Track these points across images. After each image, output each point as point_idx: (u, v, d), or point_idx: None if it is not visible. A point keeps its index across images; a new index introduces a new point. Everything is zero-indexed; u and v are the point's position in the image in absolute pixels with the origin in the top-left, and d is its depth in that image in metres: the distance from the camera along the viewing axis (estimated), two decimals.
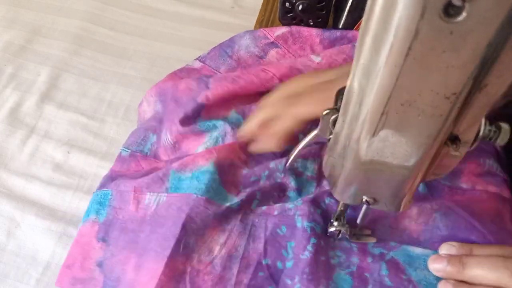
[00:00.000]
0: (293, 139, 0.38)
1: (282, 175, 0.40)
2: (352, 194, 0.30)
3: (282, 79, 0.44)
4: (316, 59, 0.46)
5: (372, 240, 0.38)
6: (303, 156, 0.41)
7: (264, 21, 0.65)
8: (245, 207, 0.39)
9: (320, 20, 0.55)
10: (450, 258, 0.34)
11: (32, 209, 0.49)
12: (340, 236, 0.37)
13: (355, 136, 0.24)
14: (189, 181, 0.39)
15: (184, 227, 0.36)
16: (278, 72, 0.44)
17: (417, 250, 0.37)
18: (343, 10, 0.56)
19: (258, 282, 0.35)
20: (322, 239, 0.37)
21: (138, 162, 0.45)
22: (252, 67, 0.49)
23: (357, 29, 0.56)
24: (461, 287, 0.33)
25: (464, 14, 0.15)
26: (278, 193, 0.40)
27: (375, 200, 0.29)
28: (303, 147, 0.33)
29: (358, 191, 0.29)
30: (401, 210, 0.30)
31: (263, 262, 0.36)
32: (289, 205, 0.39)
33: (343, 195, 0.31)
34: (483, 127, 0.25)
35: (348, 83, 0.22)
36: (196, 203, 0.37)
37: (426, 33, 0.16)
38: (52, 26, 0.68)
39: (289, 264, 0.36)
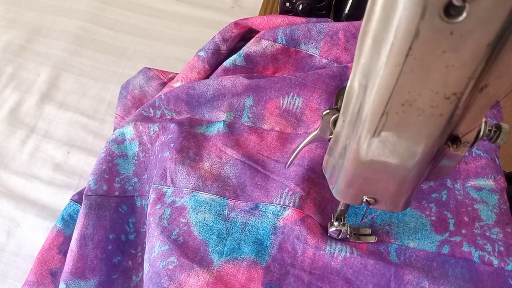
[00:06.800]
0: None
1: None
2: (352, 194, 0.30)
3: None
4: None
5: (372, 239, 0.38)
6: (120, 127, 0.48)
7: None
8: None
9: None
10: None
11: (32, 209, 0.49)
12: (340, 236, 0.37)
13: (356, 136, 0.24)
14: None
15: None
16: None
17: (205, 196, 0.41)
18: (343, 11, 0.56)
19: (108, 255, 0.41)
20: (157, 205, 0.41)
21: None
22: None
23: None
24: None
25: (464, 14, 0.15)
26: (107, 165, 0.46)
27: (376, 200, 0.29)
28: (303, 147, 0.33)
29: (358, 191, 0.29)
30: (402, 210, 0.30)
31: (110, 237, 0.42)
32: (128, 187, 0.45)
33: (343, 195, 0.31)
34: (483, 127, 0.25)
35: (348, 83, 0.22)
36: None
37: (426, 33, 0.16)
38: (52, 26, 0.68)
39: (131, 237, 0.42)
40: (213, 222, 0.38)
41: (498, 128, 0.25)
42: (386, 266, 0.35)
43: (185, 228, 0.38)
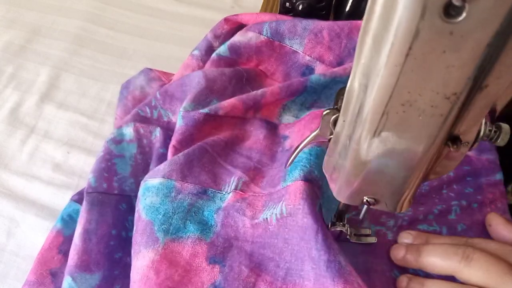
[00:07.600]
0: None
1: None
2: (352, 194, 0.30)
3: None
4: None
5: (372, 240, 0.38)
6: (119, 127, 0.49)
7: None
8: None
9: None
10: (408, 246, 0.35)
11: (32, 209, 0.49)
12: (341, 236, 0.37)
13: (356, 136, 0.24)
14: None
15: None
16: None
17: (153, 181, 0.40)
18: (343, 11, 0.56)
19: (110, 250, 0.41)
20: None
21: None
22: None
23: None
24: (415, 280, 0.34)
25: (464, 14, 0.15)
26: (106, 164, 0.47)
27: (376, 200, 0.29)
28: (303, 147, 0.33)
29: (358, 191, 0.29)
30: (401, 210, 0.30)
31: (112, 232, 0.42)
32: (125, 187, 0.46)
33: (343, 195, 0.31)
34: (483, 127, 0.25)
35: (348, 83, 0.22)
36: None
37: (426, 33, 0.16)
38: (52, 26, 0.68)
39: (131, 234, 0.42)
40: (160, 204, 0.39)
41: (498, 128, 0.25)
42: (315, 218, 0.36)
43: (136, 215, 0.39)
